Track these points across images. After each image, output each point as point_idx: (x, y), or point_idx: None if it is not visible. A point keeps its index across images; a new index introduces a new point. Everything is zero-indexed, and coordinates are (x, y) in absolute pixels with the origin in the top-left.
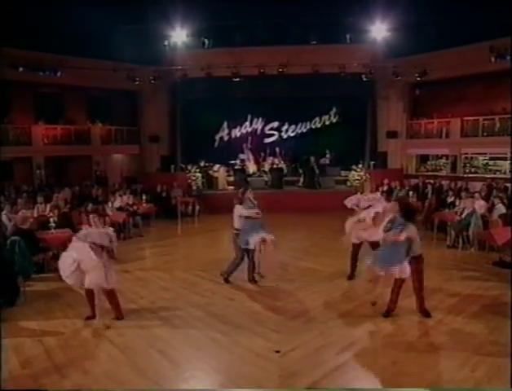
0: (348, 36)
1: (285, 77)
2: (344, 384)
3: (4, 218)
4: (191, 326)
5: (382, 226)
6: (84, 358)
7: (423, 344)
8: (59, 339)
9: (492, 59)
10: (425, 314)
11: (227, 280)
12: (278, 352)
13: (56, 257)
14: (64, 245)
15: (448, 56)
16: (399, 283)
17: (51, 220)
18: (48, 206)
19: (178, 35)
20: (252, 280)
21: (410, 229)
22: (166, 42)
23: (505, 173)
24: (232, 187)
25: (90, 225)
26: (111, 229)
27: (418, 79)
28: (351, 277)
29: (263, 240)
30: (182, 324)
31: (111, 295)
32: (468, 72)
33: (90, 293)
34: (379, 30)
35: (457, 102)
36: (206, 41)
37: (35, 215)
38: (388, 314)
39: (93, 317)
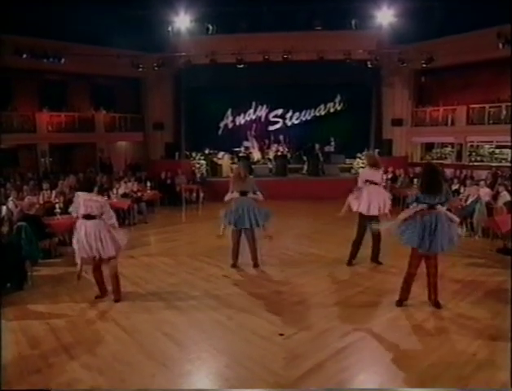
0: (353, 22)
1: (290, 64)
2: (347, 365)
3: (11, 205)
4: (196, 309)
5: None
6: (91, 340)
7: (425, 329)
8: (66, 321)
9: (500, 46)
10: (437, 305)
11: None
12: (282, 335)
13: (62, 243)
14: (69, 230)
15: (455, 42)
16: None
17: (57, 206)
18: (53, 193)
19: (182, 21)
20: (255, 265)
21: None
22: (170, 28)
23: (511, 161)
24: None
25: None
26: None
27: (424, 66)
28: (350, 263)
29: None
30: (187, 308)
31: (111, 275)
32: (475, 59)
33: (97, 272)
34: (385, 16)
35: (464, 89)
36: (210, 26)
37: (41, 201)
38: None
39: (102, 296)
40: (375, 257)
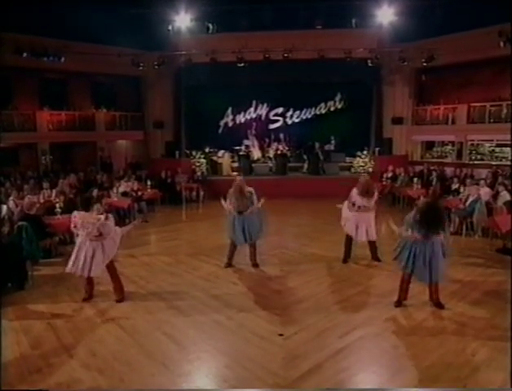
0: (354, 20)
1: (290, 63)
2: (346, 365)
3: (11, 204)
4: (196, 309)
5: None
6: (92, 340)
7: (424, 329)
8: (67, 321)
9: (501, 44)
10: (439, 305)
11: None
12: (281, 335)
13: (63, 242)
14: (69, 230)
15: (456, 41)
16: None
17: (57, 205)
18: (54, 192)
19: (183, 19)
20: (254, 265)
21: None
22: (170, 27)
23: (511, 160)
24: (237, 173)
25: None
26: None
27: (425, 64)
28: (345, 261)
29: None
30: (187, 308)
31: (111, 277)
32: (476, 57)
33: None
34: (386, 14)
35: (464, 87)
36: (211, 25)
37: (41, 201)
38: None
39: (89, 298)
40: (374, 255)
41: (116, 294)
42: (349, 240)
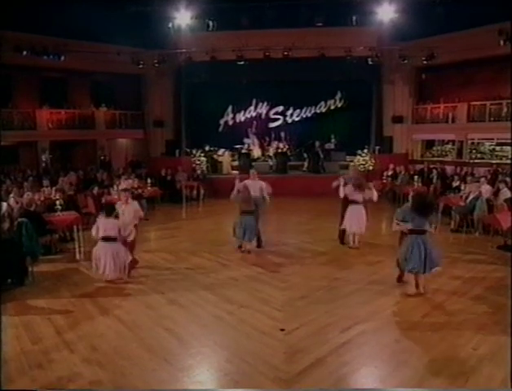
0: (354, 18)
1: (290, 61)
2: (348, 360)
3: (12, 201)
4: (197, 305)
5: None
6: (92, 335)
7: (426, 324)
8: (67, 316)
9: (501, 43)
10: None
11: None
12: (283, 330)
13: (63, 239)
14: (69, 227)
15: (456, 39)
16: None
17: (57, 202)
18: (53, 189)
19: (183, 17)
20: (259, 246)
21: None
22: (170, 25)
23: (511, 159)
24: (237, 172)
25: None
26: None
27: (425, 63)
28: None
29: None
30: (188, 303)
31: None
32: (476, 56)
33: None
34: (386, 12)
35: (464, 86)
36: (211, 23)
37: (42, 198)
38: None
39: None
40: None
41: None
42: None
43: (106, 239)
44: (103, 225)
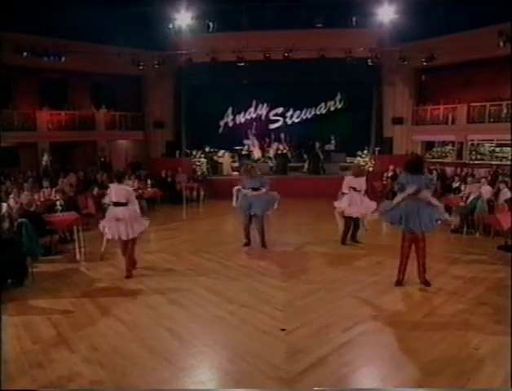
0: (354, 19)
1: (291, 62)
2: (349, 360)
3: (12, 202)
4: (197, 305)
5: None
6: (93, 335)
7: (427, 324)
8: (67, 316)
9: (501, 44)
10: (426, 283)
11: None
12: (284, 330)
13: (63, 240)
14: (69, 228)
15: (456, 41)
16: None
17: (58, 203)
18: (53, 190)
19: (183, 18)
20: (263, 246)
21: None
22: (171, 26)
23: (511, 160)
24: (237, 173)
25: None
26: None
27: (425, 64)
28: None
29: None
30: (189, 303)
31: (129, 255)
32: (476, 57)
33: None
34: (386, 13)
35: (464, 87)
36: (211, 24)
37: (42, 199)
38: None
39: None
40: (353, 237)
41: (126, 271)
42: (347, 225)
43: (117, 204)
44: (115, 191)
